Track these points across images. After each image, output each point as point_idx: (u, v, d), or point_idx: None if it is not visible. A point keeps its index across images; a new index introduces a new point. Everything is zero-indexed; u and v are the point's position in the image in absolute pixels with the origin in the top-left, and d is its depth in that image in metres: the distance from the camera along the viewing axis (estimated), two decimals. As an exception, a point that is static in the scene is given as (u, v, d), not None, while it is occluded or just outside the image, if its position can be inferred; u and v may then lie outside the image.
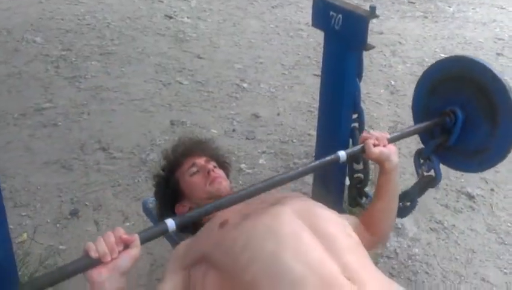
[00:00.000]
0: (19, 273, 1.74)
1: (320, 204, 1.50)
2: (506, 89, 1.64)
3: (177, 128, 3.28)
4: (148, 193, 2.50)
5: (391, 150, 1.59)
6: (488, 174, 2.89)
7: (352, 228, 1.49)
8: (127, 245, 1.13)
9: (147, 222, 2.24)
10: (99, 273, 1.10)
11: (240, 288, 1.29)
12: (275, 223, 1.33)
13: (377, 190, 1.64)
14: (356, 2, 5.89)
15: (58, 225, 2.39)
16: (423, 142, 1.92)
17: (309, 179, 2.79)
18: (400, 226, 2.50)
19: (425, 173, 1.85)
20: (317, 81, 1.98)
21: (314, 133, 2.48)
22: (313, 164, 1.58)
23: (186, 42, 4.61)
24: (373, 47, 1.75)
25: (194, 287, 1.38)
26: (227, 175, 1.78)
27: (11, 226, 2.35)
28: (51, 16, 4.87)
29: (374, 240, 1.61)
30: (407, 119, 3.45)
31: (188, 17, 5.15)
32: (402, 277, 2.23)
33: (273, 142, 3.22)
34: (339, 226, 1.41)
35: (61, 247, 2.26)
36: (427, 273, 2.28)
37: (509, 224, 2.58)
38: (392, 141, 1.63)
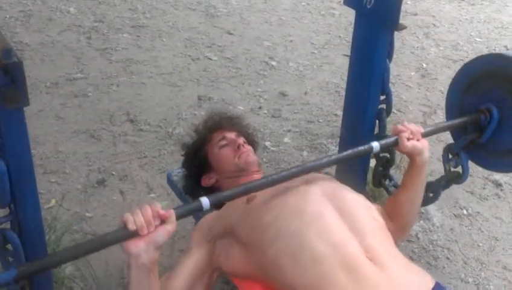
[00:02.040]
0: (47, 237, 1.80)
1: (347, 187, 1.51)
2: None
3: (204, 104, 3.30)
4: (173, 165, 2.54)
5: (424, 145, 1.58)
6: (517, 162, 2.84)
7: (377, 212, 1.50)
8: (163, 220, 1.15)
9: (171, 194, 2.29)
10: (137, 245, 1.12)
11: (263, 263, 1.32)
12: (302, 203, 1.36)
13: (404, 182, 1.63)
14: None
15: (85, 193, 2.45)
16: (454, 137, 1.89)
17: (334, 147, 2.79)
18: (423, 211, 2.48)
19: (452, 169, 1.84)
20: (346, 62, 1.96)
21: (340, 113, 2.46)
22: (345, 153, 1.55)
23: (216, 17, 4.60)
24: (405, 27, 1.73)
25: (218, 260, 1.42)
26: (255, 151, 1.80)
27: (41, 191, 2.43)
28: (84, -13, 4.91)
29: (395, 231, 1.61)
30: (437, 103, 3.39)
31: (219, -8, 5.12)
32: (422, 261, 2.22)
33: (299, 121, 3.21)
34: (365, 208, 1.43)
35: (87, 214, 2.32)
36: (448, 258, 2.27)
37: (535, 214, 2.54)
38: (425, 135, 1.61)
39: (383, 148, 1.60)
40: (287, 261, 1.27)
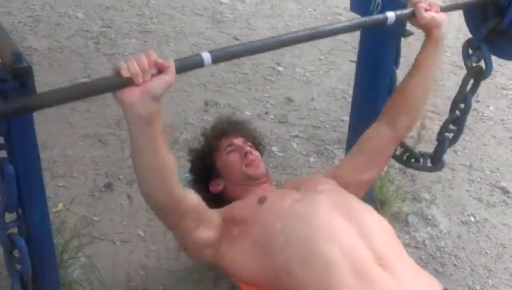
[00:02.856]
0: (54, 241, 1.81)
1: (355, 197, 1.51)
2: None
3: (211, 109, 3.30)
4: (179, 170, 2.54)
5: (442, 16, 1.51)
6: (525, 169, 2.83)
7: (373, 130, 1.56)
8: (160, 70, 1.07)
9: (177, 198, 2.29)
10: (131, 94, 1.05)
11: (272, 268, 1.32)
12: (311, 211, 1.36)
13: (417, 64, 1.57)
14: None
15: (92, 197, 2.46)
16: (472, 29, 1.80)
17: (341, 152, 2.78)
18: (431, 218, 2.47)
19: (474, 64, 1.76)
20: (353, 68, 1.97)
21: (347, 119, 2.47)
22: (359, 20, 1.48)
23: (223, 23, 4.62)
24: (412, 33, 1.73)
25: (223, 245, 1.42)
26: (262, 156, 1.80)
27: (49, 195, 2.44)
28: (92, -8, 4.94)
29: (404, 122, 1.58)
30: (444, 109, 3.37)
31: (226, -2, 5.15)
32: (429, 268, 2.21)
33: (306, 127, 3.21)
34: (374, 216, 1.43)
35: (94, 218, 2.33)
36: (455, 265, 2.26)
37: (543, 221, 2.53)
38: (444, 10, 1.54)
39: (398, 19, 1.49)
40: (297, 268, 1.28)
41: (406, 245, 2.30)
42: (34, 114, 1.13)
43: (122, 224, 2.29)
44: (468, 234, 2.43)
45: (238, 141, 1.75)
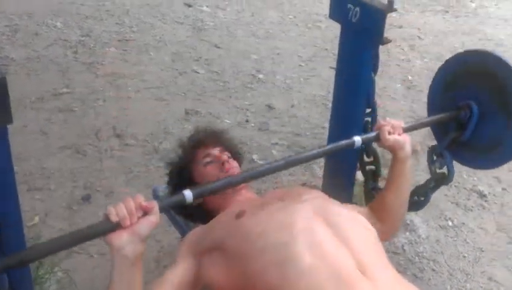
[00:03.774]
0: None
1: (337, 202, 1.51)
2: None
3: (192, 118, 3.30)
4: (159, 181, 2.53)
5: (405, 139, 1.60)
6: (501, 173, 2.87)
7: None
8: (146, 212, 1.15)
9: (156, 209, 2.27)
10: (119, 237, 1.11)
11: (251, 276, 1.31)
12: (291, 217, 1.36)
13: (389, 180, 1.64)
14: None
15: (70, 210, 2.44)
16: (437, 138, 1.91)
17: (319, 172, 2.80)
18: (409, 223, 2.49)
19: (438, 170, 1.85)
20: (333, 74, 1.98)
21: (327, 126, 2.47)
22: (327, 147, 1.60)
23: (204, 31, 4.62)
24: (390, 41, 1.74)
25: (204, 274, 1.41)
26: (240, 165, 1.79)
27: (25, 209, 2.40)
28: (71, 1, 4.91)
29: (384, 230, 1.61)
30: (422, 115, 3.41)
31: (206, 6, 5.15)
32: (408, 273, 2.23)
33: (286, 134, 3.22)
34: (355, 220, 1.43)
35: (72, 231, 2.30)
36: (433, 270, 2.27)
37: (520, 224, 2.56)
38: (406, 130, 1.64)
39: (365, 143, 1.61)
40: (274, 274, 1.26)
41: (386, 251, 2.29)
42: (9, 125, 1.12)
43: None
44: (446, 238, 2.46)
45: (216, 151, 1.74)
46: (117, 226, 1.11)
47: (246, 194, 1.66)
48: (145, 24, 4.64)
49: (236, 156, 1.85)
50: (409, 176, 1.65)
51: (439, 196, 2.67)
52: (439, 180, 1.86)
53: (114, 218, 1.12)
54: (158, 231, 2.32)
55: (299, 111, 3.51)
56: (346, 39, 1.87)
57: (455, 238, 2.46)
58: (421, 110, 3.49)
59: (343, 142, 1.57)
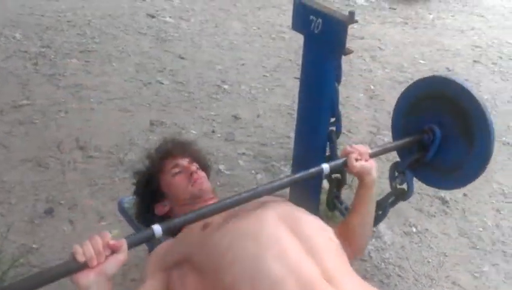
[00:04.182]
0: (-9, 272, 1.72)
1: (302, 209, 1.53)
2: (482, 108, 1.69)
3: (157, 129, 3.27)
4: (124, 192, 2.49)
5: (372, 165, 1.63)
6: (462, 179, 2.95)
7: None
8: (113, 251, 1.15)
9: (122, 221, 2.23)
10: (87, 277, 1.10)
11: (221, 288, 1.30)
12: (258, 227, 1.36)
13: (354, 204, 1.67)
14: (337, 7, 5.92)
15: (32, 224, 2.37)
16: (400, 156, 1.95)
17: (288, 169, 2.82)
18: (375, 230, 2.53)
19: (398, 186, 1.89)
20: (297, 84, 2.00)
21: (293, 135, 2.49)
22: (296, 175, 1.61)
23: (168, 42, 4.60)
24: (351, 52, 1.78)
25: (174, 289, 1.39)
26: (208, 177, 1.79)
27: (-16, 224, 2.33)
28: (30, 12, 4.81)
29: (350, 253, 1.63)
30: (384, 123, 3.49)
31: (170, 17, 5.13)
32: (375, 280, 2.26)
33: (252, 144, 3.23)
34: (320, 230, 1.44)
35: (34, 246, 2.24)
36: (399, 276, 2.31)
37: (480, 229, 2.63)
38: (373, 156, 1.68)
39: (333, 170, 1.65)
40: (244, 287, 1.26)
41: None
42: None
43: (64, 251, 2.21)
44: (411, 244, 2.51)
45: (184, 161, 1.74)
46: (84, 266, 1.10)
47: None
48: (107, 35, 4.59)
49: (205, 166, 1.85)
50: (374, 200, 1.69)
51: (403, 203, 2.71)
52: (398, 196, 1.91)
53: (81, 258, 1.10)
54: (124, 244, 2.28)
55: (265, 121, 3.53)
56: (309, 50, 1.90)
57: (419, 244, 2.51)
58: (383, 118, 3.57)
59: (313, 170, 1.60)
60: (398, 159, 1.96)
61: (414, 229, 2.60)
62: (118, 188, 2.67)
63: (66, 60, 4.02)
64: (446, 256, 2.44)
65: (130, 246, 1.18)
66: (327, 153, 1.98)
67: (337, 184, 2.00)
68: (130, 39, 4.56)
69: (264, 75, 4.20)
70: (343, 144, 3.09)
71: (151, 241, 1.26)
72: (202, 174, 1.72)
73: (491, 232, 2.61)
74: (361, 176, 1.62)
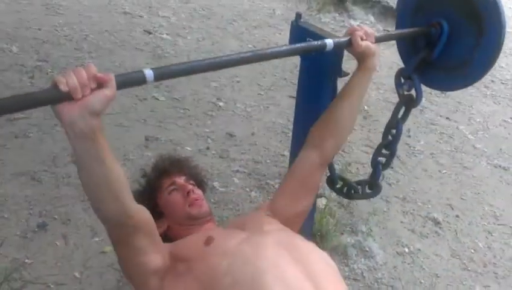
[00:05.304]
0: (-18, 286, 1.71)
1: (301, 236, 1.53)
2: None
3: (152, 144, 3.27)
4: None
5: (376, 48, 1.58)
6: (454, 201, 2.98)
7: (304, 154, 1.58)
8: (100, 84, 1.04)
9: (116, 237, 2.23)
10: (70, 111, 1.02)
11: None
12: (258, 251, 1.36)
13: (346, 89, 1.63)
14: (332, 28, 5.98)
15: (25, 238, 2.35)
16: (404, 60, 1.89)
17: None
18: (368, 249, 2.54)
19: (405, 93, 1.83)
20: (292, 103, 2.02)
21: (287, 154, 2.52)
22: (298, 45, 1.53)
23: (164, 58, 4.63)
24: (348, 74, 1.80)
25: (167, 278, 1.39)
26: (204, 193, 1.79)
27: (-24, 238, 2.31)
28: (28, 26, 4.82)
29: (332, 145, 1.63)
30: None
31: (167, 34, 5.17)
32: (368, 300, 2.27)
33: (247, 162, 3.25)
34: (319, 256, 1.45)
35: (27, 261, 2.22)
36: (392, 296, 2.33)
37: (472, 250, 2.65)
38: (378, 40, 1.60)
39: (337, 46, 1.55)
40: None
41: (346, 277, 2.35)
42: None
43: (57, 266, 2.20)
44: (403, 264, 2.52)
45: (180, 179, 1.73)
46: (66, 97, 0.99)
47: (210, 227, 1.66)
48: (104, 50, 4.61)
49: (201, 183, 1.85)
50: (366, 88, 1.65)
51: (395, 223, 2.75)
52: (407, 103, 1.84)
53: (64, 87, 0.99)
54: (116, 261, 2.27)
55: (259, 139, 3.55)
56: (305, 72, 1.92)
57: (412, 265, 2.52)
58: (377, 139, 3.56)
59: (315, 42, 1.50)
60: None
61: (407, 250, 2.62)
62: (112, 203, 2.66)
63: (63, 74, 4.03)
64: (438, 277, 2.45)
65: (119, 84, 1.07)
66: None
67: (349, 189, 1.98)
68: (126, 54, 4.58)
69: (259, 93, 4.24)
70: (337, 163, 3.12)
71: (142, 83, 1.13)
72: (199, 192, 1.72)
73: (483, 254, 2.63)
74: (364, 57, 1.57)
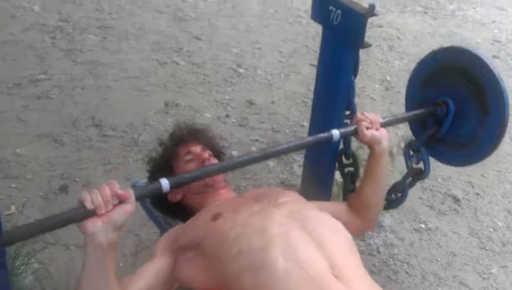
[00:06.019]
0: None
1: (313, 205, 1.53)
2: (497, 78, 1.64)
3: (171, 110, 3.27)
4: (138, 173, 2.52)
5: (383, 134, 1.63)
6: (475, 178, 2.94)
7: (342, 214, 1.58)
8: (121, 200, 1.14)
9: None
10: (94, 224, 1.11)
11: (226, 279, 1.32)
12: (267, 222, 1.36)
13: (365, 174, 1.67)
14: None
15: (47, 200, 2.40)
16: (415, 134, 1.92)
17: (298, 170, 2.82)
18: (384, 225, 2.54)
19: (414, 166, 1.86)
20: (313, 71, 1.99)
21: (307, 124, 2.49)
22: (306, 139, 1.60)
23: (184, 21, 4.58)
24: (369, 45, 1.76)
25: (180, 271, 1.41)
26: None
27: (2, 197, 2.37)
28: (49, -16, 4.79)
29: (361, 226, 1.65)
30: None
31: (188, -4, 5.10)
32: (383, 275, 2.27)
33: (266, 131, 3.23)
34: (331, 226, 1.44)
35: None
36: (407, 273, 2.33)
37: (491, 229, 2.63)
38: (384, 125, 1.66)
39: (343, 136, 1.63)
40: (248, 279, 1.27)
41: (361, 252, 2.36)
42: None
43: (77, 229, 2.23)
44: (420, 241, 2.51)
45: (197, 148, 1.74)
46: (92, 213, 1.11)
47: (225, 194, 1.67)
48: (125, 11, 4.57)
49: (217, 153, 1.85)
50: (386, 170, 1.68)
51: (414, 199, 2.72)
52: (415, 176, 1.88)
53: (89, 205, 1.11)
54: (136, 225, 2.31)
55: (279, 108, 3.52)
56: (327, 41, 1.88)
57: (429, 242, 2.51)
58: (398, 111, 3.52)
59: (322, 135, 1.57)
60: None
61: (424, 226, 2.60)
62: (131, 168, 2.69)
63: (84, 35, 4.02)
64: (455, 255, 2.44)
65: (138, 197, 1.18)
66: (340, 147, 1.97)
67: (351, 177, 2.00)
68: (147, 17, 4.54)
69: (280, 61, 4.18)
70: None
71: (158, 193, 1.25)
72: (215, 162, 1.72)
73: (502, 234, 2.61)
74: (371, 145, 1.62)
